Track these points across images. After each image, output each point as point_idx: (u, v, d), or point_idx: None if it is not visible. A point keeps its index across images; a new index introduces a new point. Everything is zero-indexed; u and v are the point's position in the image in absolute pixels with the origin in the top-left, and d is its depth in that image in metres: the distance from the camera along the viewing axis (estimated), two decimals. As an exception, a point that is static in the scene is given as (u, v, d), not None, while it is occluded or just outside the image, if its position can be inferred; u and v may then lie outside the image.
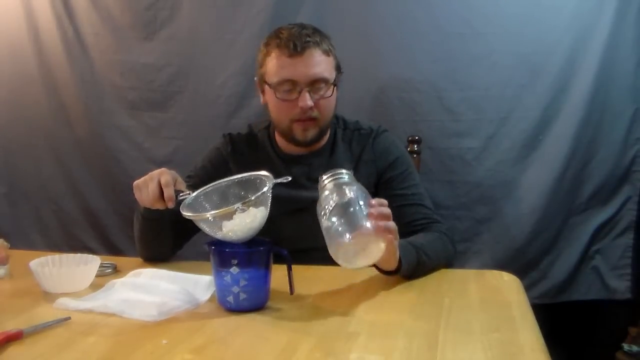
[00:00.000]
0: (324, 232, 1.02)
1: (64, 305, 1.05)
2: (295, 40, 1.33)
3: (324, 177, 1.07)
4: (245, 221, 1.03)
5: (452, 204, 1.84)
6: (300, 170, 1.42)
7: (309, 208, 1.12)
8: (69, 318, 0.99)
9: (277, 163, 1.45)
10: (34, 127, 2.08)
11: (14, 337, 0.90)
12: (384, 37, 1.83)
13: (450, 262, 1.35)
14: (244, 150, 1.49)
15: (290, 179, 1.09)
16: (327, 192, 1.04)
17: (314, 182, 1.29)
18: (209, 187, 1.15)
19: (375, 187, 1.42)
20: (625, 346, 1.81)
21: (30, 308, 1.07)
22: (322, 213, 1.03)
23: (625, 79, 1.75)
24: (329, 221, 1.00)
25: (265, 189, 1.06)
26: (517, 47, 1.76)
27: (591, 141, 1.78)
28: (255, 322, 0.99)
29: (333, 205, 1.01)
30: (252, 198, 1.04)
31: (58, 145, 2.07)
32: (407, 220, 1.36)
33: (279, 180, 1.08)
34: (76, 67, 2.01)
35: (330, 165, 1.38)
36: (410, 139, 1.80)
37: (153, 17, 1.95)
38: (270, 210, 1.08)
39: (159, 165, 1.25)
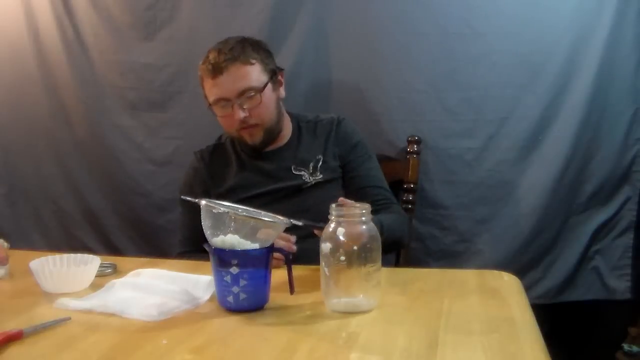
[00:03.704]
0: (328, 273, 1.02)
1: (64, 305, 1.05)
2: (214, 62, 1.45)
3: (336, 211, 1.04)
4: (243, 244, 1.02)
5: (452, 204, 1.84)
6: (271, 166, 1.55)
7: (284, 197, 1.31)
8: (69, 318, 0.99)
9: (247, 162, 1.57)
10: (34, 127, 2.08)
11: (14, 337, 0.90)
12: (384, 37, 1.83)
13: (404, 238, 1.52)
14: (214, 160, 1.61)
15: (301, 223, 1.10)
16: (341, 236, 1.01)
17: (287, 171, 1.52)
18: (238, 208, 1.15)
19: (341, 168, 1.56)
20: (625, 346, 1.81)
21: (30, 308, 1.07)
22: (334, 259, 1.01)
23: (625, 79, 1.75)
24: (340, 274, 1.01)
25: (280, 219, 1.07)
26: (517, 47, 1.77)
27: (591, 141, 1.78)
28: (255, 322, 1.00)
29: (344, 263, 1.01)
30: (266, 219, 1.06)
31: (58, 145, 2.07)
32: (369, 201, 1.50)
33: (295, 222, 1.11)
34: (76, 67, 2.01)
35: (299, 155, 1.55)
36: (410, 139, 1.80)
37: (153, 17, 1.95)
38: (253, 202, 1.20)
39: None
